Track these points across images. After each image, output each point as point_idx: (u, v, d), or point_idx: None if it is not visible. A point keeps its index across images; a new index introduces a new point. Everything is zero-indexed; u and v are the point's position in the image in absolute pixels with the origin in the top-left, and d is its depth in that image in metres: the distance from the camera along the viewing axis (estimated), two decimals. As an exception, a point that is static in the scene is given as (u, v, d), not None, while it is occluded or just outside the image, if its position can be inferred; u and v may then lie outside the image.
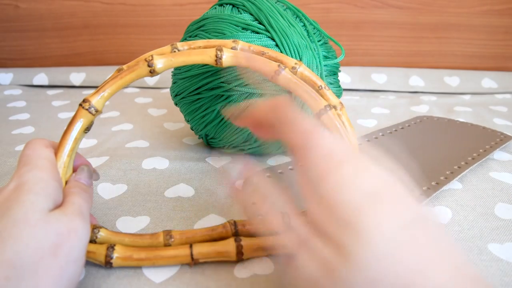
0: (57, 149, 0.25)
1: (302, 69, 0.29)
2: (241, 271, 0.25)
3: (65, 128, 0.26)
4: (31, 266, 0.19)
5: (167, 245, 0.26)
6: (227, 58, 0.28)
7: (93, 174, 0.28)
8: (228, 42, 0.29)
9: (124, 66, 0.27)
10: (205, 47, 0.28)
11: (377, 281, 0.16)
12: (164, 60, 0.27)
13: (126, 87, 0.73)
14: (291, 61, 0.29)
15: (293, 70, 0.28)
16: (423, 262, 0.17)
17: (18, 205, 0.20)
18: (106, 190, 0.35)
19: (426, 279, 0.16)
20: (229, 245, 0.25)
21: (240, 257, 0.25)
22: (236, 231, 0.27)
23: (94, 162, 0.41)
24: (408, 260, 0.17)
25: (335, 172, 0.19)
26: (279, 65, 0.27)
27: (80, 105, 0.26)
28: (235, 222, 0.28)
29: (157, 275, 0.25)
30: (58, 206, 0.23)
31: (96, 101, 0.26)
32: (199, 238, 0.27)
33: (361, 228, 0.17)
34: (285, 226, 0.20)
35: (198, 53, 0.27)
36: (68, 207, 0.22)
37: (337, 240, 0.18)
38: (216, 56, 0.27)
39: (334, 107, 0.28)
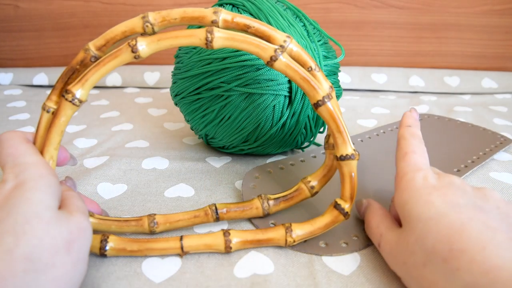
0: (44, 143, 0.24)
1: (293, 45, 0.26)
2: (241, 271, 0.25)
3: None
4: (48, 260, 0.19)
5: (151, 230, 0.28)
6: (217, 40, 0.25)
7: (72, 160, 0.28)
8: (208, 12, 0.25)
9: (90, 44, 0.25)
10: (182, 19, 0.25)
11: None
12: (149, 44, 0.24)
13: (126, 86, 0.73)
14: (281, 36, 0.26)
15: (282, 48, 0.25)
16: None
17: (26, 202, 0.20)
18: (106, 190, 0.35)
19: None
20: (218, 238, 0.26)
21: (228, 250, 0.26)
22: (217, 217, 0.29)
23: (94, 162, 0.41)
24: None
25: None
26: (275, 50, 0.25)
27: (63, 96, 0.24)
28: (216, 207, 0.29)
29: (157, 275, 0.25)
30: (60, 202, 0.23)
31: (78, 91, 0.24)
32: (182, 224, 0.28)
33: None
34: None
35: (186, 35, 0.25)
36: (74, 208, 0.23)
37: None
38: (206, 39, 0.24)
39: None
